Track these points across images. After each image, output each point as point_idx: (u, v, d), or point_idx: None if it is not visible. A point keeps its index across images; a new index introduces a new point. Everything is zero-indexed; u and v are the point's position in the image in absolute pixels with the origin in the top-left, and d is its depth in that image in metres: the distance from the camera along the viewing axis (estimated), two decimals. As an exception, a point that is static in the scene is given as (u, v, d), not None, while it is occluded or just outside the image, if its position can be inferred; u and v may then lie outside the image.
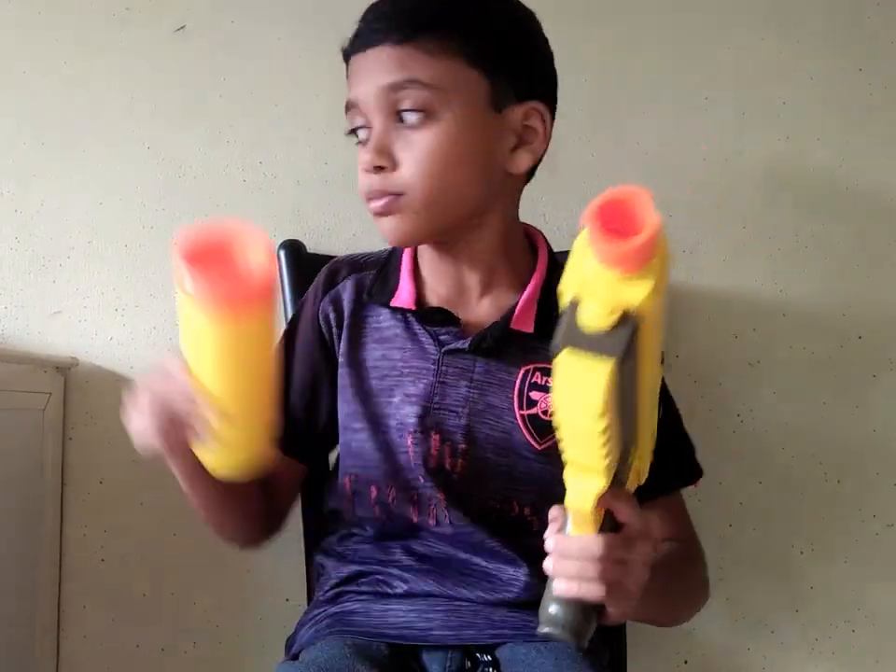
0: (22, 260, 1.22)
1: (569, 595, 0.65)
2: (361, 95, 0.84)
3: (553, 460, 0.84)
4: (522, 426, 0.86)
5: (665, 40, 1.26)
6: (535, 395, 0.86)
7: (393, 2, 0.87)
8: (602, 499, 0.63)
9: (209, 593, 1.20)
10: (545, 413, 0.86)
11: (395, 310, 0.90)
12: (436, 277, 0.91)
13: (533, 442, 0.86)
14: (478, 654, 0.83)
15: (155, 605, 1.20)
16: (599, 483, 0.61)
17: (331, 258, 1.05)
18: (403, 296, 0.90)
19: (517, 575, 0.85)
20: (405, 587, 0.86)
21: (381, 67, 0.83)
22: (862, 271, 1.24)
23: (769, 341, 1.24)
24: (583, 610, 0.65)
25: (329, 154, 1.23)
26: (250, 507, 0.91)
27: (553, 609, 0.65)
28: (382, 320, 0.91)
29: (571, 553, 0.66)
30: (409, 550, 0.88)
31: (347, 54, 0.89)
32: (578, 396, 0.53)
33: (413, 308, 0.89)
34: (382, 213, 0.84)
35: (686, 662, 1.22)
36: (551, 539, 0.67)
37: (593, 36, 1.24)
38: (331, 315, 0.92)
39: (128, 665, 1.20)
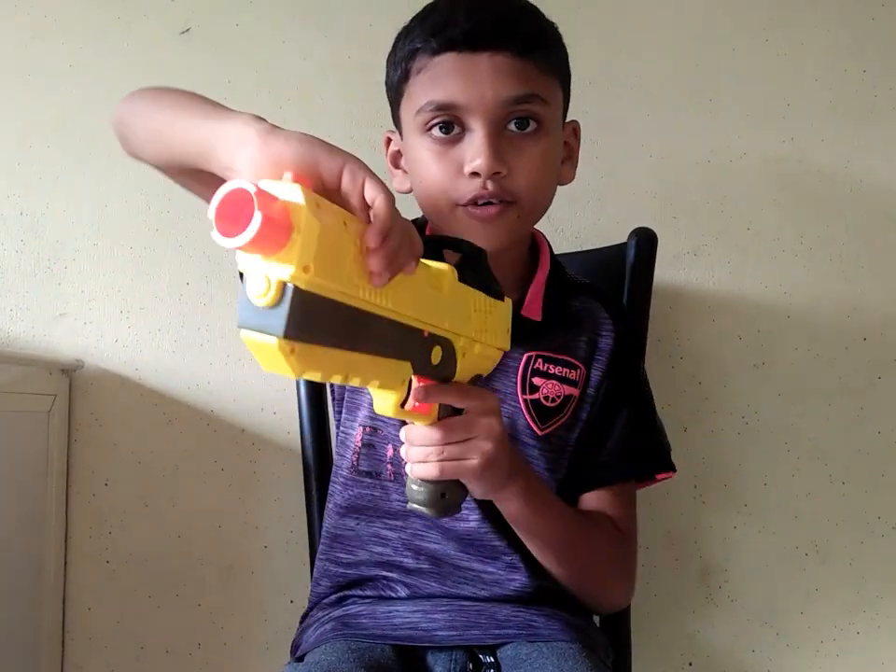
0: (28, 263, 1.22)
1: (415, 476, 0.72)
2: (472, 99, 0.82)
3: (553, 447, 0.86)
4: (524, 410, 0.87)
5: (669, 42, 1.26)
6: (537, 381, 0.88)
7: (500, 10, 0.85)
8: (423, 396, 0.68)
9: (214, 595, 1.21)
10: (546, 398, 0.88)
11: None
12: None
13: (535, 427, 0.87)
14: (480, 655, 0.83)
15: (160, 607, 1.20)
16: (393, 396, 0.66)
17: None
18: None
19: (515, 570, 0.86)
20: (408, 591, 0.87)
21: (501, 77, 0.82)
22: (867, 272, 1.24)
23: (774, 342, 1.24)
24: (438, 487, 0.72)
25: (333, 156, 1.23)
26: None
27: (413, 486, 0.73)
28: None
29: (414, 440, 0.72)
30: (408, 546, 0.88)
31: (430, 49, 0.84)
32: (273, 368, 0.55)
33: None
34: (488, 219, 0.83)
35: (691, 664, 1.22)
36: (402, 430, 0.73)
37: (597, 39, 1.24)
38: None
39: (133, 667, 1.20)
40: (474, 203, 0.83)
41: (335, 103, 1.24)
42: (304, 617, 0.94)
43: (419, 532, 0.88)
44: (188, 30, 1.25)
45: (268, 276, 0.52)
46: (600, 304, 0.93)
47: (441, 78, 0.83)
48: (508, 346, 0.77)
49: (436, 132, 0.83)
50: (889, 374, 1.24)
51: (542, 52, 0.85)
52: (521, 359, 0.88)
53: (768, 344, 1.24)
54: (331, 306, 0.54)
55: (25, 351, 1.19)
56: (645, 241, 1.11)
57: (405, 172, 0.91)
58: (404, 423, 0.74)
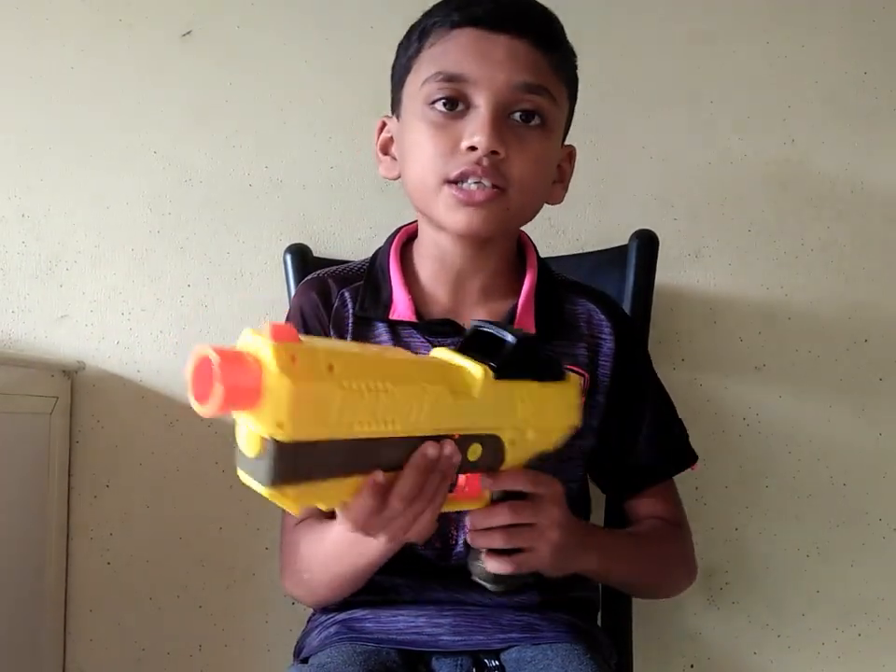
0: (29, 265, 1.23)
1: (491, 571, 0.72)
2: (483, 76, 0.81)
3: (563, 457, 0.85)
4: None
5: (670, 44, 1.26)
6: None
7: (527, 0, 0.86)
8: (491, 483, 0.69)
9: (215, 596, 1.20)
10: None
11: (393, 324, 0.88)
12: (437, 283, 0.89)
13: None
14: (485, 660, 0.83)
15: (161, 608, 1.20)
16: None
17: (338, 261, 1.05)
18: (401, 309, 0.87)
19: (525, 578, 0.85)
20: (412, 594, 0.86)
21: (518, 61, 0.81)
22: (868, 274, 1.24)
23: (775, 344, 1.24)
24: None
25: (334, 159, 1.24)
26: None
27: (478, 565, 0.73)
28: (379, 334, 0.88)
29: (479, 524, 0.71)
30: (414, 555, 0.87)
31: (451, 22, 0.83)
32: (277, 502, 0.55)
33: (415, 320, 0.87)
34: (474, 203, 0.81)
35: (692, 666, 1.22)
36: (467, 518, 0.72)
37: (598, 41, 1.24)
38: (341, 339, 0.89)
39: (134, 669, 1.20)
40: (463, 179, 0.81)
41: (337, 105, 1.24)
42: (310, 619, 0.94)
43: (431, 547, 0.87)
44: (189, 32, 1.25)
45: (250, 429, 0.51)
46: (595, 305, 0.93)
47: (456, 50, 0.82)
48: (578, 422, 0.75)
49: (439, 105, 0.82)
50: (890, 376, 1.24)
51: (558, 54, 0.85)
52: None
53: (769, 346, 1.24)
54: (321, 447, 0.53)
55: (27, 353, 1.19)
56: (646, 243, 1.11)
57: (394, 159, 0.90)
58: None
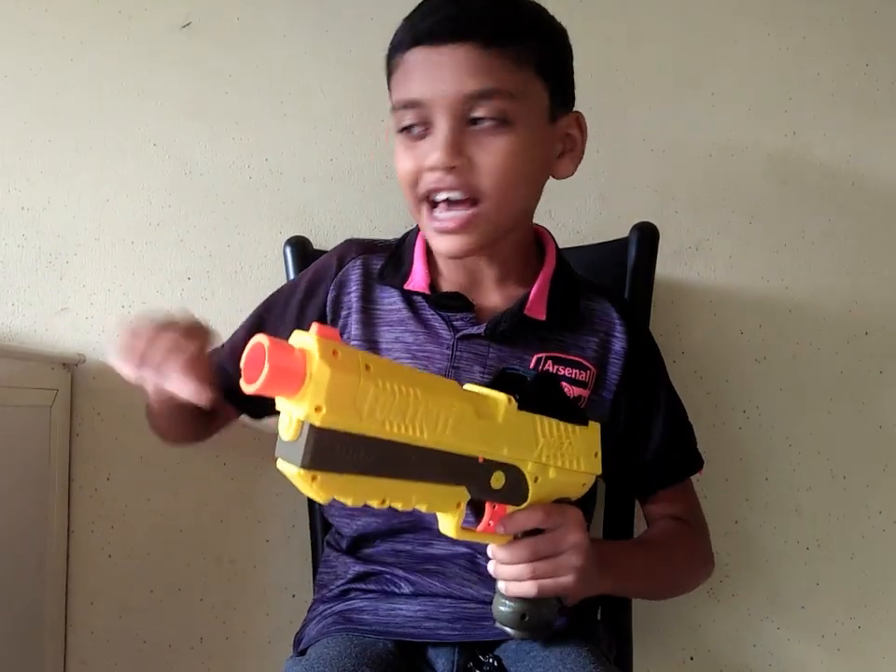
0: (29, 258, 1.22)
1: (511, 594, 0.75)
2: (431, 95, 0.80)
3: None
4: None
5: (672, 36, 1.26)
6: None
7: (471, 3, 0.84)
8: (508, 526, 0.73)
9: (216, 589, 1.21)
10: None
11: (407, 293, 0.90)
12: (451, 268, 0.91)
13: None
14: (481, 656, 0.83)
15: (162, 601, 1.20)
16: (449, 519, 0.69)
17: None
18: (417, 279, 0.90)
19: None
20: (412, 588, 0.86)
21: (462, 70, 0.80)
22: (869, 266, 1.24)
23: (775, 337, 1.24)
24: (523, 607, 0.75)
25: (334, 151, 1.23)
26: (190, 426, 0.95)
27: (501, 606, 0.76)
28: (393, 303, 0.90)
29: (504, 559, 0.74)
30: (416, 549, 0.88)
31: (404, 45, 0.83)
32: (306, 492, 0.62)
33: (428, 292, 0.89)
34: (451, 231, 0.82)
35: (692, 658, 1.23)
36: (489, 549, 0.75)
37: (599, 32, 1.24)
38: (339, 299, 0.92)
39: (135, 661, 1.20)
40: (431, 198, 0.82)
41: (336, 97, 1.24)
42: (309, 610, 0.94)
43: (429, 541, 0.88)
44: (188, 24, 1.24)
45: (290, 414, 0.59)
46: (610, 304, 0.93)
47: (409, 75, 0.83)
48: (599, 470, 0.78)
49: (405, 131, 0.84)
50: (891, 368, 1.24)
51: (513, 45, 0.81)
52: (531, 361, 0.87)
53: (769, 339, 1.24)
54: (354, 440, 0.60)
55: (27, 346, 1.19)
56: (646, 235, 1.11)
57: None
58: None
